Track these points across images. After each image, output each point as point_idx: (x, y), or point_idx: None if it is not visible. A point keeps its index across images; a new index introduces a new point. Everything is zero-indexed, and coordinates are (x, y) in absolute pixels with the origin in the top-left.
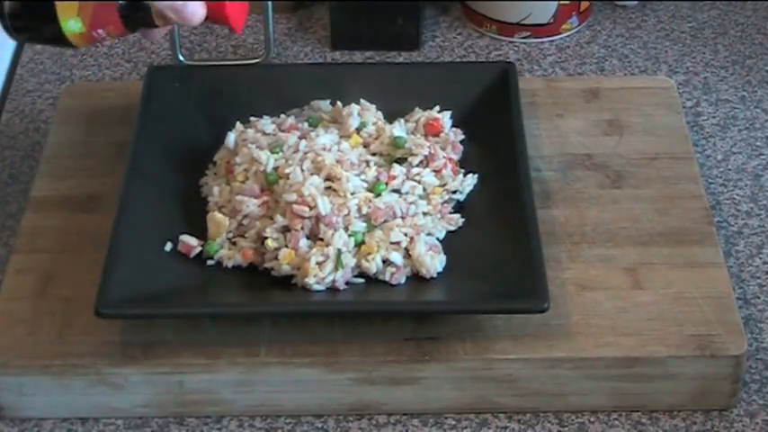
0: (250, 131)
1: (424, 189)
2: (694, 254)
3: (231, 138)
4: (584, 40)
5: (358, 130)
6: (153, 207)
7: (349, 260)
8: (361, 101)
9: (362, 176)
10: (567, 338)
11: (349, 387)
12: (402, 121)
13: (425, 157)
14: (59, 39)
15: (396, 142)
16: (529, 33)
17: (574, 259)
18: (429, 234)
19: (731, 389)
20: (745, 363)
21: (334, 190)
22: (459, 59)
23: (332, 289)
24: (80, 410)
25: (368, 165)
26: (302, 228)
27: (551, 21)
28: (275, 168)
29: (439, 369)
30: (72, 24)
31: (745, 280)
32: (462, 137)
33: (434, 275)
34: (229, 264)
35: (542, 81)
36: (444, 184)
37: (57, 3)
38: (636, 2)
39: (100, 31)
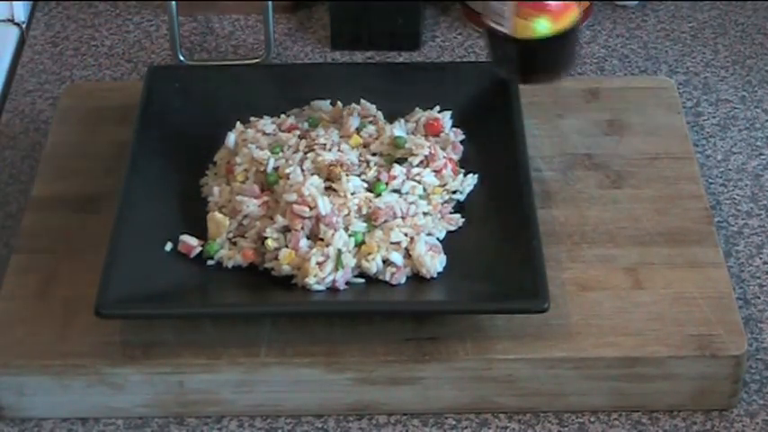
0: (250, 131)
1: (425, 189)
2: (694, 254)
3: (231, 138)
4: (585, 40)
5: (358, 130)
6: (153, 207)
7: (349, 260)
8: (361, 101)
9: (362, 176)
10: (567, 338)
11: (349, 387)
12: (402, 121)
13: (425, 157)
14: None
15: (396, 142)
16: None
17: (574, 259)
18: (429, 234)
19: (731, 389)
20: (745, 363)
21: (335, 190)
22: (459, 59)
23: (332, 289)
24: (80, 410)
25: (368, 165)
26: (302, 228)
27: None
28: (275, 168)
29: (439, 369)
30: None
31: (745, 280)
32: (462, 137)
33: (434, 275)
34: (229, 264)
35: None
36: (444, 184)
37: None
38: (636, 2)
39: None
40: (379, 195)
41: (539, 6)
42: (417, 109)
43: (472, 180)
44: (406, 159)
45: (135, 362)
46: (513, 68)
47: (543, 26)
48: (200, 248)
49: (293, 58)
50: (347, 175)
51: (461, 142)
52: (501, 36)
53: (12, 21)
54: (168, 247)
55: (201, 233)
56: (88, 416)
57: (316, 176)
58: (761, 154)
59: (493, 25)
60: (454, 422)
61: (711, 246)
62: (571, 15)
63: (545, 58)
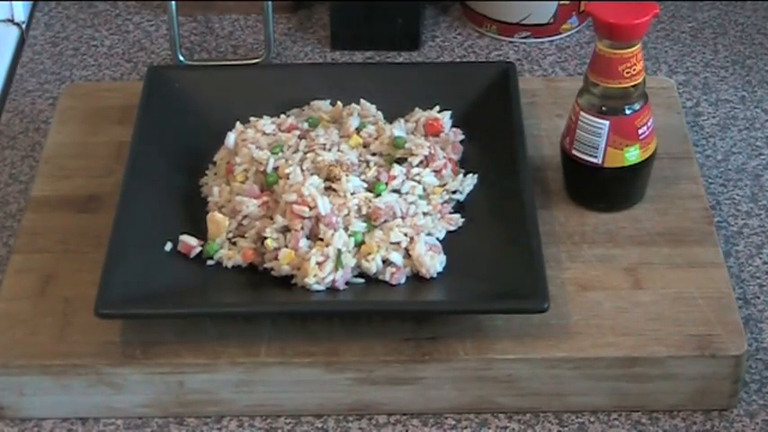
0: (250, 131)
1: (424, 189)
2: (694, 254)
3: (231, 138)
4: (585, 40)
5: (358, 130)
6: (153, 207)
7: (349, 260)
8: (361, 101)
9: (362, 176)
10: (567, 338)
11: (349, 387)
12: (402, 121)
13: (425, 157)
14: None
15: (396, 142)
16: (529, 33)
17: (574, 259)
18: (429, 234)
19: (731, 389)
20: (745, 363)
21: (334, 190)
22: (459, 59)
23: (332, 289)
24: (80, 410)
25: (368, 165)
26: (302, 228)
27: (551, 21)
28: (275, 168)
29: (439, 369)
30: None
31: (745, 280)
32: (462, 137)
33: (434, 275)
34: (229, 264)
35: (542, 81)
36: (444, 184)
37: None
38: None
39: None
40: (378, 195)
41: (632, 136)
42: (417, 109)
43: (472, 180)
44: (405, 159)
45: (135, 362)
46: (592, 197)
47: (634, 155)
48: (200, 248)
49: (293, 58)
50: (347, 175)
51: (461, 142)
52: (588, 166)
53: (12, 21)
54: (168, 247)
55: (201, 233)
56: (88, 416)
57: (315, 176)
58: (761, 154)
59: (581, 156)
60: (454, 422)
61: (711, 246)
62: (655, 143)
63: (627, 186)
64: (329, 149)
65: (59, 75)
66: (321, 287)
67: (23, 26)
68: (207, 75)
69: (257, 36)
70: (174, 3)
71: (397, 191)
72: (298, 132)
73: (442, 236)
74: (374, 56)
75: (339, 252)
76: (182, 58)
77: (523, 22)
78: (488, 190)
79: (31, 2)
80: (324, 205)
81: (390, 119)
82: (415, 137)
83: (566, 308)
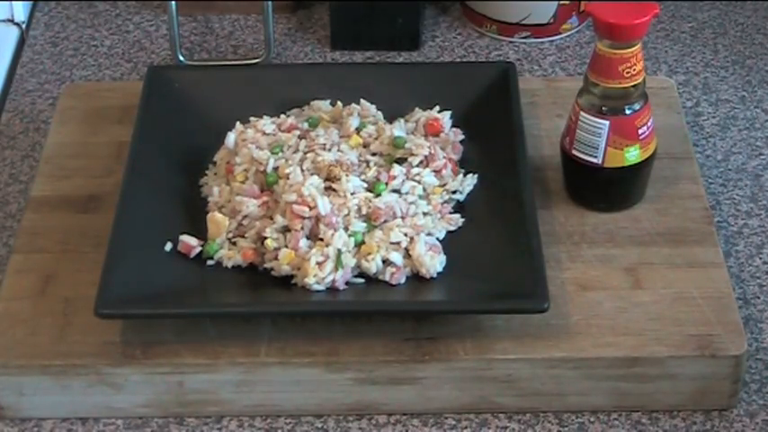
0: (250, 131)
1: (424, 189)
2: (694, 254)
3: (231, 138)
4: (585, 40)
5: (358, 130)
6: (153, 207)
7: (349, 260)
8: (361, 101)
9: (362, 176)
10: (567, 338)
11: (349, 387)
12: (402, 121)
13: (425, 157)
14: None
15: (396, 142)
16: (529, 33)
17: (574, 259)
18: (429, 234)
19: (731, 389)
20: (745, 363)
21: (334, 190)
22: (459, 59)
23: (332, 289)
24: (80, 410)
25: (368, 165)
26: (302, 228)
27: (551, 21)
28: (275, 168)
29: (439, 369)
30: None
31: (745, 280)
32: (462, 137)
33: (434, 275)
34: (229, 264)
35: (542, 81)
36: (444, 184)
37: None
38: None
39: None
40: (378, 195)
41: (632, 135)
42: (417, 109)
43: (472, 180)
44: (405, 159)
45: (135, 362)
46: (592, 197)
47: (634, 155)
48: (200, 248)
49: (293, 58)
50: (347, 175)
51: (461, 142)
52: (588, 166)
53: (12, 21)
54: (168, 247)
55: (201, 233)
56: (88, 416)
57: (315, 176)
58: (761, 154)
59: (581, 156)
60: (454, 422)
61: (711, 246)
62: (655, 143)
63: (627, 186)
64: (329, 149)
65: (59, 75)
66: (321, 287)
67: (23, 26)
68: (207, 75)
69: (257, 36)
70: (174, 3)
71: (397, 191)
72: (298, 132)
73: (442, 236)
74: (374, 56)
75: (339, 252)
76: (182, 58)
77: (523, 22)
78: (488, 190)
79: (31, 2)
80: (324, 205)
81: (390, 119)
82: (415, 137)
83: (566, 308)
